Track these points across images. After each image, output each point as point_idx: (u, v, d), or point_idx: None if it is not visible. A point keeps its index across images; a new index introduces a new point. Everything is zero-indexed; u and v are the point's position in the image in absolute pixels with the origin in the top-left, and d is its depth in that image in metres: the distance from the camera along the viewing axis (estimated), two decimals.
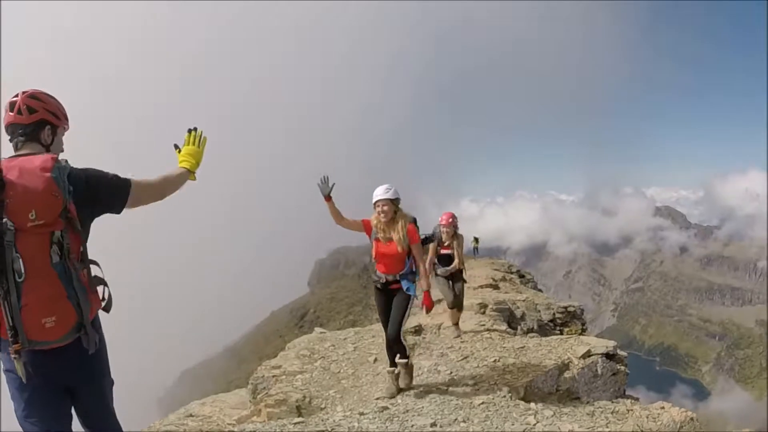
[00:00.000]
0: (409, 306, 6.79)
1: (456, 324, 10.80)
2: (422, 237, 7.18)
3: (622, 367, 8.55)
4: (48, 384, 3.09)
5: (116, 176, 3.34)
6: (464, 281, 10.95)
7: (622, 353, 8.83)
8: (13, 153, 3.18)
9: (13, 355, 2.87)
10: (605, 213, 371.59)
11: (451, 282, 10.63)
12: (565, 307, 18.17)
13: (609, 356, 8.55)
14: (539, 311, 17.20)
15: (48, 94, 3.29)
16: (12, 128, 3.20)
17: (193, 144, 3.88)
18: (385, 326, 6.95)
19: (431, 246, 10.26)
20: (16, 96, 3.18)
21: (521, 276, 31.96)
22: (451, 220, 10.38)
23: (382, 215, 6.58)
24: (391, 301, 6.86)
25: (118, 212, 3.37)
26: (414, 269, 6.82)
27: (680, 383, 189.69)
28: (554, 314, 17.42)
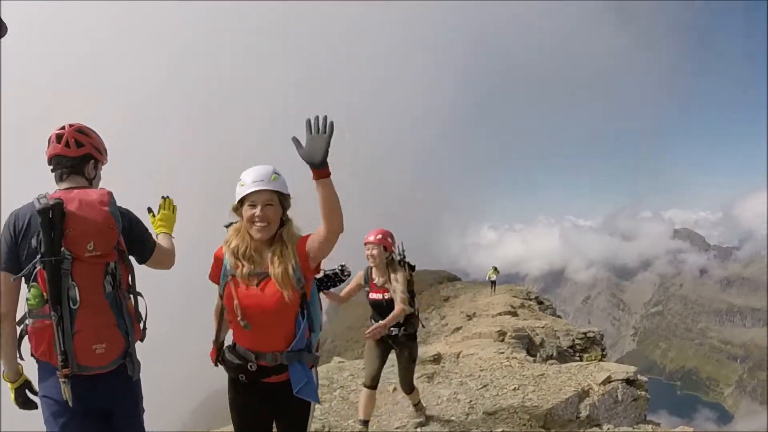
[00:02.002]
0: (309, 419, 3.49)
1: (416, 405, 7.44)
2: (324, 273, 4.49)
3: (643, 393, 8.51)
4: (87, 410, 3.15)
5: (149, 232, 3.55)
6: (415, 350, 6.70)
7: (643, 378, 8.79)
8: (55, 183, 3.30)
9: (62, 379, 2.97)
10: (624, 237, 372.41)
11: (390, 349, 6.61)
12: (585, 333, 18.11)
13: (629, 382, 8.52)
14: (558, 338, 17.14)
15: (92, 129, 3.40)
16: (57, 159, 3.28)
17: (168, 209, 4.03)
18: None
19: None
20: (63, 128, 3.27)
21: (540, 302, 31.86)
22: (380, 237, 6.32)
23: (257, 225, 3.26)
24: (269, 412, 3.49)
25: (140, 263, 3.51)
26: (309, 342, 3.38)
27: (702, 407, 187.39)
28: (574, 340, 17.35)
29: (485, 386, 8.80)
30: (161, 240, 3.80)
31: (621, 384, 8.37)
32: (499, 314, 22.04)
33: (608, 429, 7.25)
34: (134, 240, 3.39)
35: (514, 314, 22.28)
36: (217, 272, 3.35)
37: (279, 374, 3.28)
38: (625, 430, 7.10)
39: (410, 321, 6.39)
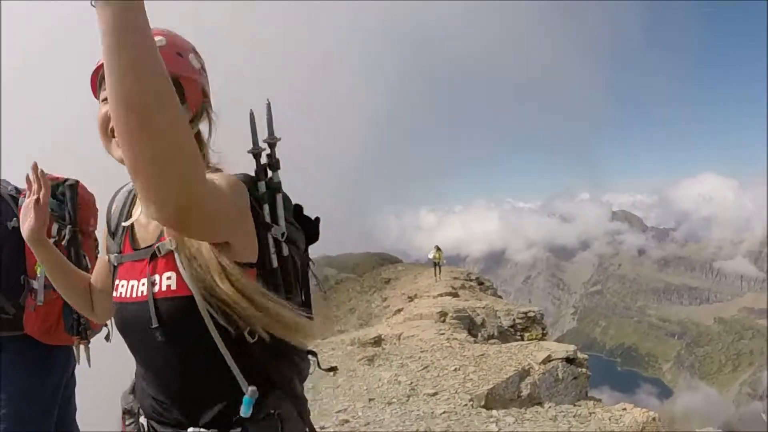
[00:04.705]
0: None
1: None
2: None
3: (584, 370, 8.58)
4: None
5: None
6: None
7: (583, 356, 8.87)
8: None
9: None
10: (563, 219, 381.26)
11: None
12: (525, 312, 18.24)
13: (569, 360, 8.57)
14: (499, 317, 17.23)
15: None
16: None
17: None
18: None
19: None
20: None
21: (480, 283, 32.02)
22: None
23: None
24: None
25: None
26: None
27: (643, 382, 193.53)
28: (514, 320, 17.47)
29: (426, 367, 8.73)
30: None
31: (561, 362, 8.41)
32: (440, 295, 22.05)
33: (550, 407, 7.25)
34: None
35: (455, 295, 22.33)
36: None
37: None
38: (567, 408, 7.11)
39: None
